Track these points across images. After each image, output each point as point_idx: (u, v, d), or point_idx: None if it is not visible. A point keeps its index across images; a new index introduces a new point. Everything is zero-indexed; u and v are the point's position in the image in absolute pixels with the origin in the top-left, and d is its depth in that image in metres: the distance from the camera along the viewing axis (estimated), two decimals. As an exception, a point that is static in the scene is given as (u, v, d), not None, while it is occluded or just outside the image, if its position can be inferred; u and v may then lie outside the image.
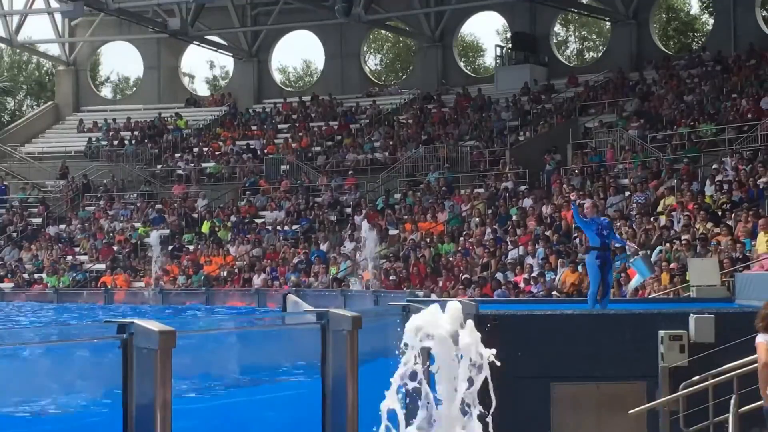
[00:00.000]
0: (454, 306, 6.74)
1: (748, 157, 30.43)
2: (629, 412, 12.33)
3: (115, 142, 51.19)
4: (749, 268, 21.70)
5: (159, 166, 48.33)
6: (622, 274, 24.15)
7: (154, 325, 7.09)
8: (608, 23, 51.03)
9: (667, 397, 12.52)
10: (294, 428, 9.06)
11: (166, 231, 40.64)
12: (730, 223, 25.38)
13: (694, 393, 12.18)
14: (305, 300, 26.89)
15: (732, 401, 11.18)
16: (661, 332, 13.36)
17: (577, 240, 28.54)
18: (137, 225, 42.55)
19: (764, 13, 50.45)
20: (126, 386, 7.21)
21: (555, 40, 54.55)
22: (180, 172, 46.93)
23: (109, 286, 36.97)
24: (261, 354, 9.61)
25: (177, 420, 7.19)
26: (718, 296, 18.15)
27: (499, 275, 28.19)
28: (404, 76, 59.30)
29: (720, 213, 26.64)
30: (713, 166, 30.84)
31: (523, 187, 35.57)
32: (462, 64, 55.70)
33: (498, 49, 51.60)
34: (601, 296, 16.62)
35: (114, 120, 53.26)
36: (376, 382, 7.05)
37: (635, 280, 21.54)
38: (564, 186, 33.35)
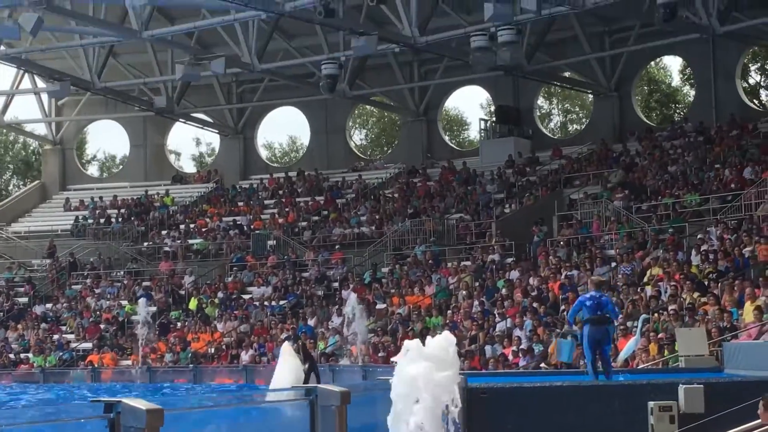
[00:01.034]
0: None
1: (732, 226, 30.59)
2: (621, 484, 12.26)
3: (102, 220, 51.19)
4: (737, 337, 21.73)
5: (146, 244, 48.29)
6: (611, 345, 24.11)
7: (141, 404, 7.06)
8: (591, 96, 51.49)
9: (658, 469, 12.46)
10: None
11: (153, 308, 40.48)
12: (716, 292, 25.44)
13: (685, 464, 12.12)
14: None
15: (723, 472, 11.12)
16: (651, 403, 13.34)
17: (565, 312, 28.55)
18: (124, 303, 42.41)
19: (744, 85, 51.06)
20: (114, 466, 7.16)
21: (538, 113, 55.02)
22: (167, 249, 46.88)
23: (96, 365, 36.74)
24: (250, 430, 9.55)
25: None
26: (706, 366, 18.15)
27: (487, 348, 28.14)
28: (389, 151, 59.64)
29: (706, 283, 26.71)
30: (698, 236, 30.98)
31: (509, 260, 35.64)
32: (447, 138, 56.06)
33: (482, 122, 51.98)
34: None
35: (101, 198, 53.31)
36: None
37: (625, 351, 21.53)
38: (551, 258, 33.44)
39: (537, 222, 37.07)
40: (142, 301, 39.06)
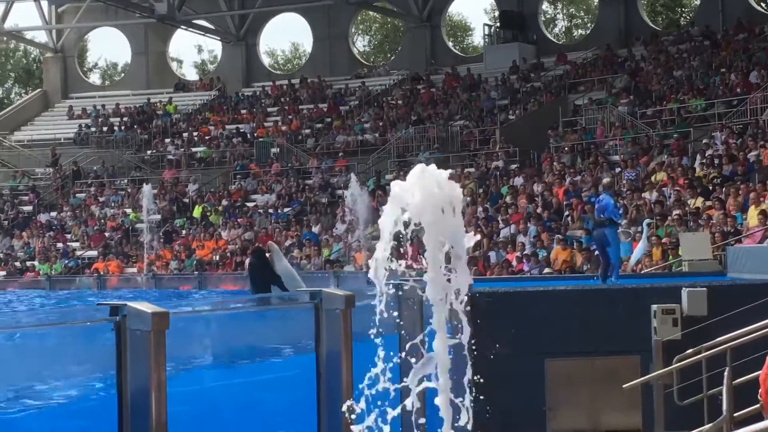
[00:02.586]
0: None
1: (737, 131, 30.47)
2: (623, 386, 12.35)
3: (105, 129, 51.07)
4: (741, 241, 21.75)
5: (149, 152, 48.22)
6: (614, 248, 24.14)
7: (146, 307, 7.08)
8: (596, 0, 50.92)
9: (660, 371, 12.55)
10: (289, 407, 9.07)
11: (158, 216, 40.53)
12: (721, 197, 25.41)
13: (687, 366, 12.20)
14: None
15: (725, 374, 11.18)
16: (654, 306, 13.39)
17: (569, 218, 28.57)
18: (128, 211, 42.48)
19: (752, -13, 50.38)
20: (120, 369, 7.21)
21: (543, 18, 54.46)
22: (170, 157, 46.83)
23: (102, 273, 36.92)
24: (255, 334, 9.60)
25: (172, 404, 7.19)
26: (710, 270, 18.17)
27: (491, 254, 28.21)
28: (393, 57, 59.18)
29: (711, 187, 26.67)
30: (703, 141, 30.87)
31: (513, 166, 35.55)
32: (450, 44, 55.61)
33: (486, 28, 51.56)
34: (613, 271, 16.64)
35: (103, 106, 53.11)
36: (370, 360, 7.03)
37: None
38: (555, 163, 33.36)
39: (552, 126, 36.77)
40: (146, 187, 38.81)
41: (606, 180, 19.71)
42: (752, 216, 22.80)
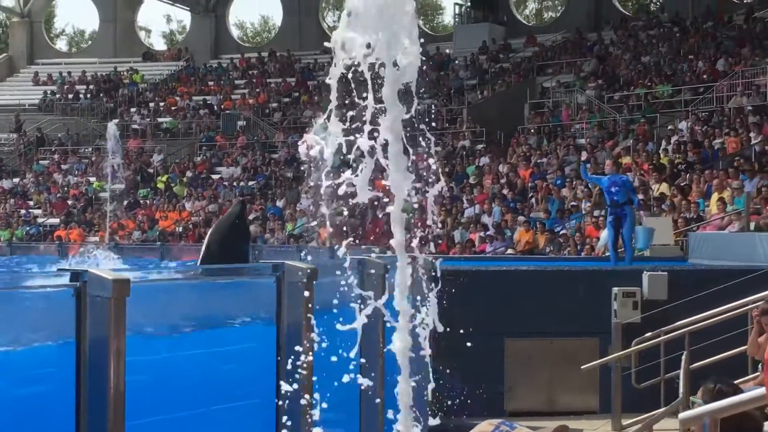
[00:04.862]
0: None
1: (703, 118, 30.64)
2: (582, 367, 12.43)
3: (70, 96, 50.64)
4: (704, 227, 21.90)
5: (114, 121, 47.82)
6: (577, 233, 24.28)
7: (107, 274, 7.02)
8: (567, -17, 50.98)
9: (619, 353, 12.63)
10: (249, 380, 9.06)
11: (122, 185, 40.24)
12: (684, 183, 25.56)
13: (646, 349, 12.29)
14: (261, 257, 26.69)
15: (683, 358, 11.27)
16: (615, 289, 13.48)
17: (533, 200, 28.65)
18: (92, 179, 42.19)
19: (722, -24, 50.52)
20: (79, 335, 7.16)
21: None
22: (135, 126, 46.52)
23: (63, 240, 36.66)
24: (216, 305, 9.57)
25: (131, 373, 7.14)
26: (671, 255, 18.32)
27: (455, 233, 28.24)
28: (363, 34, 58.98)
29: (675, 173, 26.82)
30: (669, 127, 31.02)
31: (479, 146, 35.59)
32: (420, 22, 55.49)
33: (457, 7, 51.48)
34: (624, 252, 16.71)
35: (69, 73, 52.66)
36: (331, 333, 7.02)
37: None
38: (522, 147, 33.41)
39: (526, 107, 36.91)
40: (111, 125, 38.33)
41: (611, 159, 19.82)
42: (714, 203, 22.98)
